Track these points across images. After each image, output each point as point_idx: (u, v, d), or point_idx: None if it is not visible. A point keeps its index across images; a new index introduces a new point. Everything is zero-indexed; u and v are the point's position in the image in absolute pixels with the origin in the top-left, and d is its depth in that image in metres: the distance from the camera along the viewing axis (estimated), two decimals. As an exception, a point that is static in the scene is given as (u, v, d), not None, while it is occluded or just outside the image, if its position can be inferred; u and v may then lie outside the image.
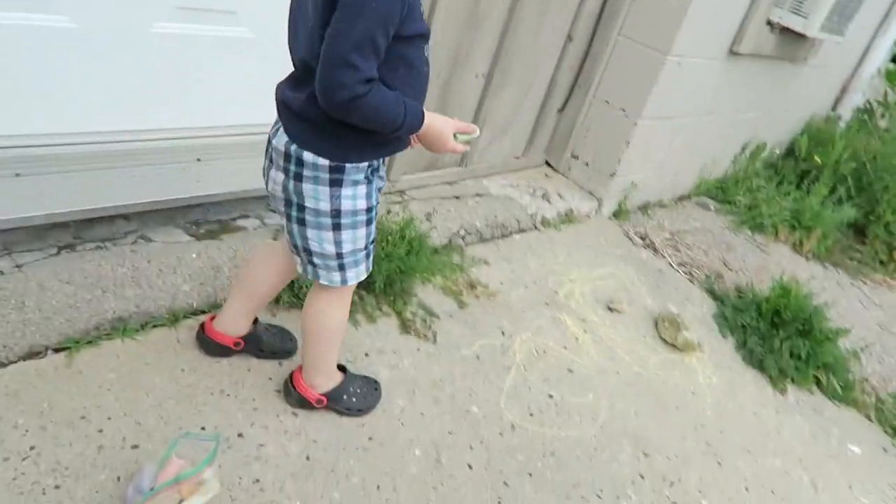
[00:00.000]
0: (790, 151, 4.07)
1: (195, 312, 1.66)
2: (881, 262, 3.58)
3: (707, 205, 3.42)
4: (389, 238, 1.98)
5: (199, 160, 1.89)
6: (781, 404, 2.26)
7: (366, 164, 1.24)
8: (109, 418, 1.35)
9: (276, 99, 1.28)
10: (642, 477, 1.75)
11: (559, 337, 2.11)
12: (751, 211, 3.39)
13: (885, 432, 2.36)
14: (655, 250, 2.84)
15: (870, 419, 2.39)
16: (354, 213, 1.27)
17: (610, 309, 2.33)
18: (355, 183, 1.25)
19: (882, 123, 4.24)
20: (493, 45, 2.35)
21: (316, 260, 1.32)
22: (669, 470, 1.80)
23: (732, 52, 2.86)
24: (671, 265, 2.80)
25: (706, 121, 3.10)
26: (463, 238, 2.30)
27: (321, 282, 1.35)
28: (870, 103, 4.38)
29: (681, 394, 2.10)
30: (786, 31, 2.99)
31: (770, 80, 3.38)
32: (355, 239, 1.31)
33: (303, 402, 1.51)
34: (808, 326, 2.40)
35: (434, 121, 1.25)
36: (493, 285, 2.19)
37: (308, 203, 1.25)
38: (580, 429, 1.81)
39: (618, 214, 2.96)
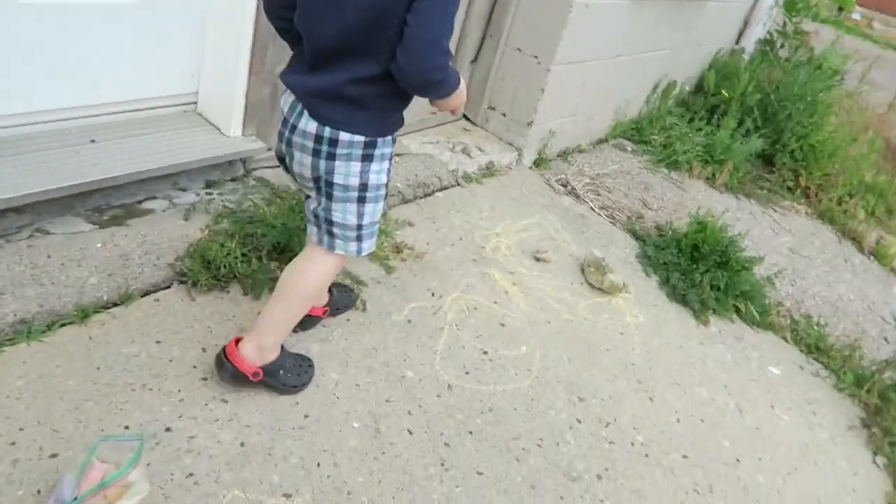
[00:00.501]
0: (700, 87, 4.16)
1: (106, 306, 1.56)
2: (789, 189, 3.75)
3: (624, 146, 3.48)
4: (308, 208, 1.91)
5: (93, 141, 1.76)
6: (705, 335, 2.36)
7: (390, 137, 1.36)
8: (22, 429, 1.27)
9: (294, 88, 1.33)
10: (579, 421, 1.79)
11: (489, 292, 2.11)
12: (666, 149, 3.47)
13: (801, 351, 2.51)
14: (577, 196, 2.87)
15: (786, 340, 2.53)
16: (378, 187, 1.38)
17: (537, 259, 2.35)
18: (382, 157, 1.36)
19: (783, 53, 4.38)
20: None
21: (336, 230, 1.39)
22: (604, 411, 1.86)
23: (638, -8, 2.87)
24: (593, 209, 2.84)
25: (617, 63, 3.12)
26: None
27: (336, 251, 1.42)
28: (770, 34, 4.51)
29: (610, 336, 2.15)
30: (688, -33, 3.01)
31: (675, 19, 3.42)
32: (375, 212, 1.42)
33: (237, 376, 1.45)
34: (725, 258, 2.49)
35: (462, 82, 1.35)
36: (420, 246, 2.16)
37: (338, 180, 1.33)
38: (516, 381, 1.83)
39: (538, 163, 2.97)
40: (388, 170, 1.40)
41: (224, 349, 1.46)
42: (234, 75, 1.89)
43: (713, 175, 3.41)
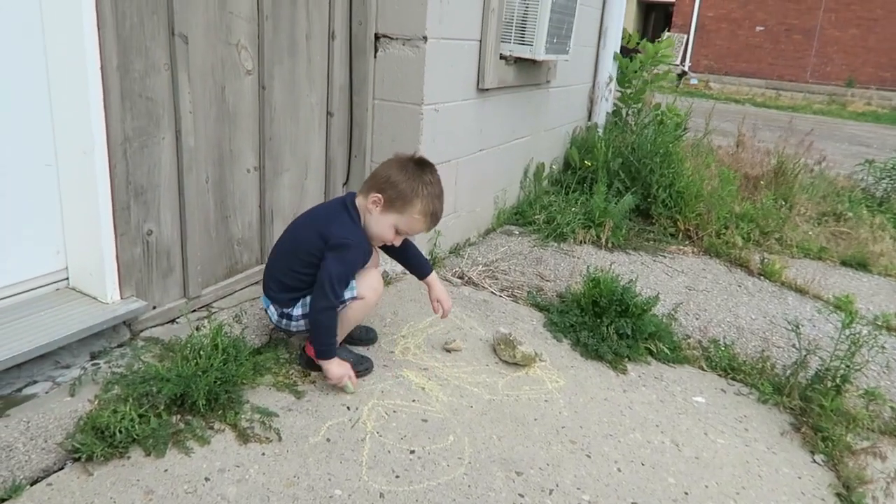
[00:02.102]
0: (567, 164, 4.46)
1: (-9, 504, 1.44)
2: (671, 235, 3.98)
3: (511, 231, 3.63)
4: (202, 353, 1.87)
5: (-44, 339, 1.68)
6: (626, 382, 2.40)
7: None
8: None
9: None
10: (521, 496, 1.75)
11: (405, 393, 2.09)
12: (549, 225, 3.64)
13: (719, 375, 2.57)
14: (475, 284, 2.94)
15: (703, 369, 2.60)
16: None
17: (447, 350, 2.36)
18: None
19: (630, 120, 4.79)
20: (255, 137, 2.36)
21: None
22: (545, 479, 1.82)
23: (481, 90, 3.12)
24: (494, 293, 2.91)
25: (482, 156, 3.32)
26: (280, 327, 2.23)
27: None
28: (616, 105, 4.95)
29: (535, 405, 2.15)
30: (520, 60, 3.32)
31: (525, 108, 3.72)
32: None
33: (308, 361, 2.09)
34: (624, 305, 2.58)
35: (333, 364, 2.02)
36: (327, 365, 2.13)
37: None
38: (449, 473, 1.78)
39: (433, 263, 3.04)
40: None
41: (303, 347, 2.11)
42: (99, 241, 1.88)
43: (598, 237, 3.60)
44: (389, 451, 1.82)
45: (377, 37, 2.76)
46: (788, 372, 2.53)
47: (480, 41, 3.05)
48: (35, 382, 1.77)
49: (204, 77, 2.11)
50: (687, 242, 3.92)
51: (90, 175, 1.84)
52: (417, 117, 2.74)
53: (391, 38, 2.74)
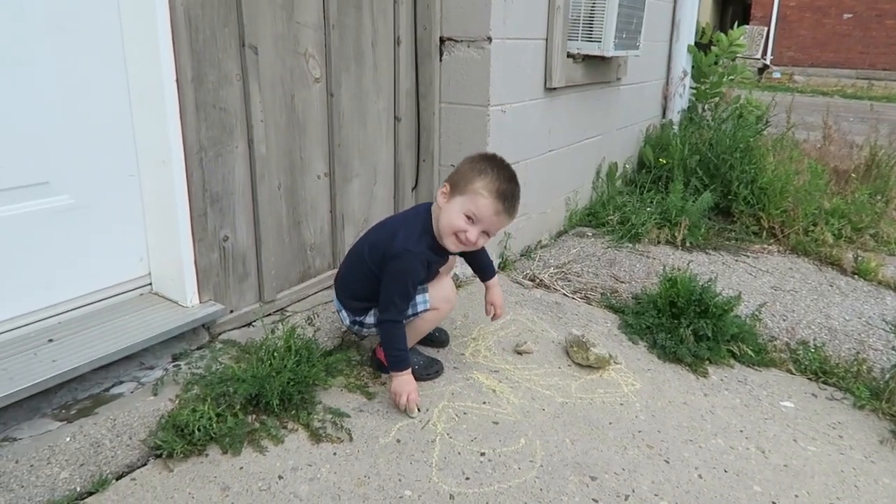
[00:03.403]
0: (641, 164, 4.34)
1: (80, 497, 1.51)
2: (755, 234, 3.80)
3: (584, 233, 3.55)
4: (275, 354, 1.91)
5: (50, 340, 1.78)
6: (707, 386, 2.29)
7: None
8: None
9: None
10: (596, 501, 1.69)
11: (476, 395, 2.07)
12: (623, 225, 3.55)
13: (809, 379, 2.43)
14: (547, 287, 2.89)
15: (791, 372, 2.46)
16: None
17: (518, 353, 2.32)
18: None
19: (708, 115, 4.62)
20: (324, 144, 2.41)
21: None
22: (620, 485, 1.76)
23: (549, 89, 3.07)
24: (566, 295, 2.85)
25: (551, 157, 3.27)
26: (353, 331, 2.26)
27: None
28: (691, 100, 4.79)
29: (610, 409, 2.09)
30: (588, 57, 3.25)
31: (595, 107, 3.64)
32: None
33: (379, 364, 2.11)
34: (703, 306, 2.48)
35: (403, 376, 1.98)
36: (398, 368, 2.14)
37: None
38: (520, 475, 1.75)
39: (502, 266, 3.01)
40: None
41: (374, 350, 2.16)
42: (179, 247, 1.96)
43: (674, 237, 3.47)
44: (459, 453, 1.80)
45: (442, 40, 2.77)
46: (888, 376, 2.36)
47: (546, 40, 3.01)
48: (121, 382, 1.85)
49: (274, 86, 2.17)
50: (772, 241, 3.73)
51: (169, 184, 1.92)
52: (484, 119, 2.72)
53: (456, 41, 2.74)
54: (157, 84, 1.84)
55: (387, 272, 1.95)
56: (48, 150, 1.77)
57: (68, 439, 1.60)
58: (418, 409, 1.95)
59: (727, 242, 3.67)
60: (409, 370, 1.96)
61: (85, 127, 1.83)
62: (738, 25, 4.80)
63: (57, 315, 1.87)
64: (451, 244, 1.97)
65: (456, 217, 1.92)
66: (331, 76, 2.38)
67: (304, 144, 2.33)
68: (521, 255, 3.19)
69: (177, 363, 1.95)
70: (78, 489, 1.52)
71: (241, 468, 1.66)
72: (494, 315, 2.27)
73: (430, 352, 2.27)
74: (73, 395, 1.77)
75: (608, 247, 3.38)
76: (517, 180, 1.97)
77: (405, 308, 1.98)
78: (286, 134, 2.25)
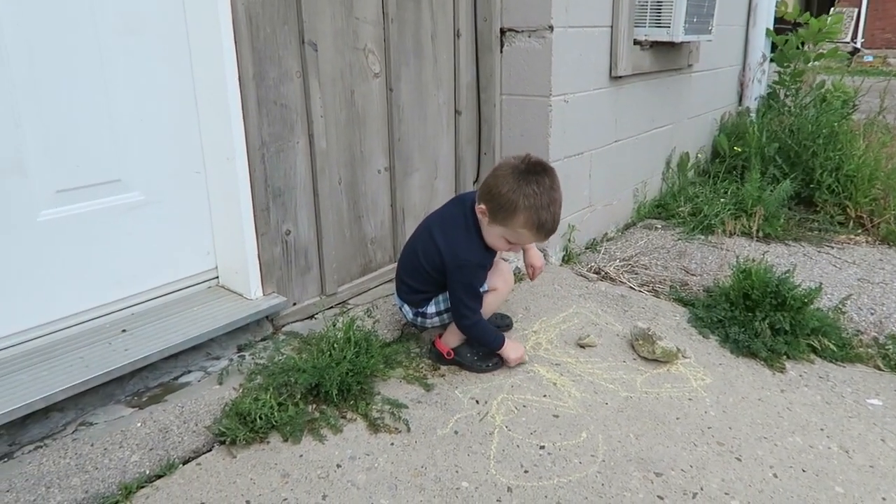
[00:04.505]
0: (716, 154, 4.16)
1: (149, 479, 1.57)
2: (840, 224, 3.58)
3: (653, 225, 3.44)
4: (335, 345, 1.94)
5: (124, 331, 1.86)
6: (784, 382, 2.17)
7: None
8: None
9: None
10: (661, 498, 1.63)
11: (536, 388, 2.03)
12: (695, 217, 3.41)
13: (899, 376, 2.26)
14: (613, 280, 2.81)
15: (879, 368, 2.30)
16: None
17: (581, 346, 2.27)
18: None
19: (788, 102, 4.39)
20: (384, 138, 2.43)
21: None
22: (687, 482, 1.69)
23: (614, 77, 2.99)
24: (633, 288, 2.76)
25: (617, 148, 3.18)
26: (414, 325, 2.26)
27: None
28: (771, 86, 4.56)
29: (677, 404, 2.01)
30: (656, 44, 3.15)
31: (665, 95, 3.52)
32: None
33: (438, 356, 2.11)
34: (780, 298, 2.34)
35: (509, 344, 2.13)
36: (457, 360, 2.13)
37: None
38: (581, 470, 1.70)
39: (566, 259, 2.95)
40: None
41: (433, 341, 2.14)
42: (243, 241, 2.01)
43: (749, 228, 3.31)
44: (518, 446, 1.77)
45: (502, 31, 2.74)
46: None
47: (612, 27, 2.93)
48: (189, 372, 1.92)
49: (334, 82, 2.20)
50: (859, 231, 3.50)
51: (233, 180, 1.98)
52: (546, 110, 2.68)
53: (517, 32, 2.70)
54: (221, 82, 1.90)
55: (453, 280, 1.98)
56: (120, 149, 1.85)
57: (139, 425, 1.67)
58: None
59: (809, 233, 3.47)
60: (505, 341, 2.08)
61: (154, 126, 1.91)
62: (827, 6, 4.52)
63: (130, 307, 1.96)
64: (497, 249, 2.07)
65: (497, 241, 1.99)
66: (390, 71, 2.39)
67: (364, 139, 2.35)
68: (587, 248, 3.12)
69: (241, 353, 2.01)
70: (147, 472, 1.58)
71: (301, 456, 1.69)
72: (533, 273, 2.30)
73: (490, 344, 2.25)
74: (144, 384, 1.84)
75: (678, 239, 3.26)
76: (558, 191, 1.91)
77: (478, 307, 2.01)
78: (346, 129, 2.28)
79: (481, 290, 2.04)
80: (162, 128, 1.93)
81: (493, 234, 1.97)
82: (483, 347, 2.12)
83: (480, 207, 1.94)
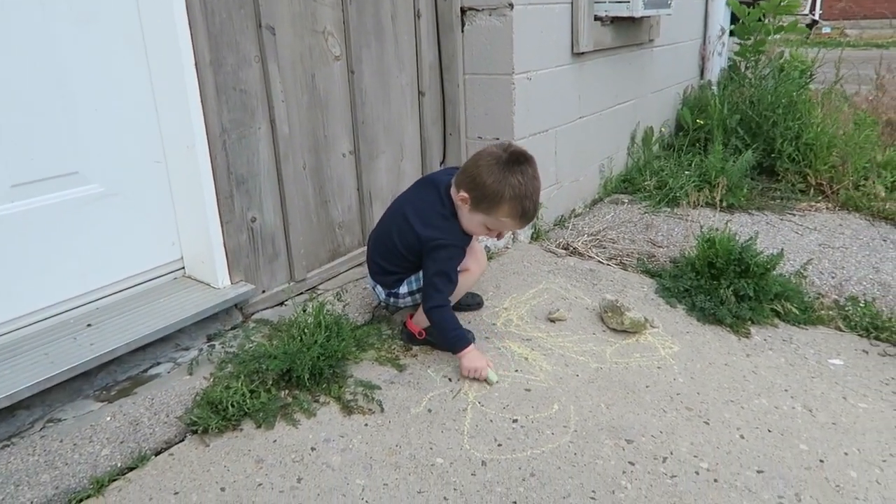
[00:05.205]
0: (679, 127, 4.21)
1: (121, 472, 1.56)
2: (801, 192, 3.65)
3: (620, 200, 3.48)
4: (306, 331, 1.93)
5: (89, 325, 1.84)
6: (749, 346, 2.22)
7: None
8: None
9: None
10: (632, 464, 1.66)
11: (508, 363, 2.05)
12: (661, 190, 3.46)
13: (860, 335, 2.33)
14: (581, 254, 2.84)
15: (840, 329, 2.36)
16: None
17: (551, 321, 2.29)
18: None
19: (749, 74, 4.44)
20: (348, 122, 2.41)
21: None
22: (658, 447, 1.72)
23: (576, 54, 3.00)
24: (601, 262, 2.79)
25: (581, 124, 3.20)
26: (386, 306, 2.27)
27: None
28: (732, 59, 4.61)
29: (646, 372, 2.04)
30: (618, 19, 3.16)
31: (627, 71, 3.55)
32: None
33: (410, 336, 2.11)
34: (744, 265, 2.39)
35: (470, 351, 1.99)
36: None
37: None
38: (554, 440, 1.73)
39: (536, 237, 2.97)
40: None
41: (405, 323, 2.13)
42: (208, 230, 1.99)
43: (713, 199, 3.36)
44: (491, 421, 1.79)
45: (463, 10, 2.73)
46: (944, 328, 2.25)
47: (572, 3, 2.94)
48: (159, 364, 1.90)
49: (294, 66, 2.17)
50: (820, 198, 3.58)
51: (194, 168, 1.95)
52: (509, 88, 2.68)
53: (477, 10, 2.70)
54: (177, 70, 1.87)
55: (429, 261, 1.96)
56: (76, 140, 1.81)
57: (109, 418, 1.65)
58: (496, 376, 1.98)
59: (771, 202, 3.53)
60: (471, 345, 1.98)
61: (110, 116, 1.87)
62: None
63: (95, 301, 1.93)
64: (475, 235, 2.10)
65: (477, 227, 2.00)
66: (351, 53, 2.37)
67: (327, 123, 2.33)
68: (555, 225, 3.15)
69: (211, 343, 1.99)
70: (119, 465, 1.57)
71: (275, 441, 1.69)
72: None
73: (462, 319, 2.26)
74: (112, 377, 1.82)
75: (645, 212, 3.30)
76: (538, 179, 1.97)
77: (447, 293, 1.99)
78: (308, 113, 2.26)
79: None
80: (118, 118, 1.89)
81: (474, 221, 1.97)
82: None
83: (462, 195, 1.94)
